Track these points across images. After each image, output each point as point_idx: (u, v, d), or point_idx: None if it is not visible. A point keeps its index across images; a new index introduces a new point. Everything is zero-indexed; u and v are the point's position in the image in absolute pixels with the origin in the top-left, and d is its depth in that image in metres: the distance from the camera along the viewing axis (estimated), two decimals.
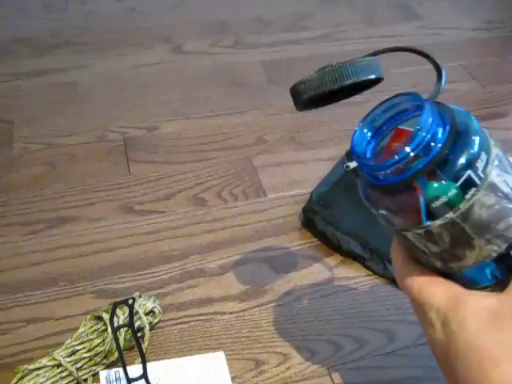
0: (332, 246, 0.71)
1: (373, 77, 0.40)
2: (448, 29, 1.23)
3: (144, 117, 0.93)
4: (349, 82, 0.38)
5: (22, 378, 0.53)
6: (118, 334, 0.55)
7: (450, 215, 0.35)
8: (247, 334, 0.61)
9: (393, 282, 0.66)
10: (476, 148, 0.34)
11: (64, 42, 1.14)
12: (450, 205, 0.34)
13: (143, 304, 0.60)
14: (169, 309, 0.63)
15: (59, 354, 0.55)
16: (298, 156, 0.86)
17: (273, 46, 1.14)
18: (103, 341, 0.56)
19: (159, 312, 0.61)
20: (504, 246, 0.36)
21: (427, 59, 0.40)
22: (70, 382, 0.55)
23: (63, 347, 0.56)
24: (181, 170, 0.83)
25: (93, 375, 0.56)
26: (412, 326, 0.62)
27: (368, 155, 0.38)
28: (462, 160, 0.34)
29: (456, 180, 0.34)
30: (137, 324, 0.58)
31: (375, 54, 0.41)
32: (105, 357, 0.56)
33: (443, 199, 0.34)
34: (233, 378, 0.57)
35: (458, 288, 0.37)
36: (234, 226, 0.74)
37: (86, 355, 0.56)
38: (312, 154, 0.86)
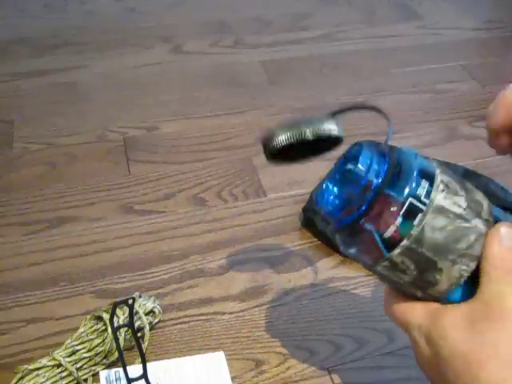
0: (332, 246, 0.71)
1: (334, 134, 0.41)
2: (448, 29, 1.23)
3: (144, 117, 0.93)
4: (309, 137, 0.40)
5: (21, 378, 0.53)
6: (118, 333, 0.55)
7: (405, 243, 0.36)
8: (247, 334, 0.61)
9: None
10: (414, 178, 0.36)
11: (64, 42, 1.14)
12: (402, 233, 0.36)
13: (143, 304, 0.60)
14: (169, 309, 0.63)
15: (59, 354, 0.55)
16: None
17: (273, 45, 1.14)
18: (103, 341, 0.56)
19: (159, 312, 0.61)
20: (474, 264, 0.37)
21: (379, 114, 0.41)
22: (70, 382, 0.54)
23: (63, 347, 0.56)
24: (181, 169, 0.83)
25: (93, 375, 0.56)
26: None
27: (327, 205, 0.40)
28: (402, 190, 0.36)
29: (400, 209, 0.36)
30: (137, 324, 0.58)
31: (336, 113, 0.42)
32: (105, 357, 0.56)
33: (392, 229, 0.36)
34: (233, 378, 0.57)
35: (434, 304, 0.39)
36: (234, 226, 0.74)
37: (85, 355, 0.56)
38: None
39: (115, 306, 0.53)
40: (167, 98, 0.98)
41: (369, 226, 0.37)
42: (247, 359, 0.59)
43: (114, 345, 0.55)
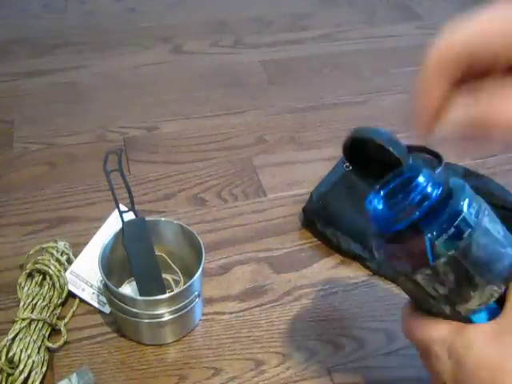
0: (332, 246, 0.71)
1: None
2: None
3: (144, 117, 0.93)
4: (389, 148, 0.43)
5: (8, 350, 0.55)
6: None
7: (452, 253, 0.38)
8: (247, 334, 0.61)
9: (393, 282, 0.66)
10: (468, 197, 0.39)
11: (64, 42, 1.14)
12: (450, 243, 0.38)
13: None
14: None
15: (24, 314, 0.58)
16: (298, 156, 0.86)
17: (273, 46, 1.14)
18: (49, 287, 0.62)
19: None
20: (503, 287, 0.40)
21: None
22: (46, 329, 0.59)
23: (21, 309, 0.59)
24: (181, 169, 0.83)
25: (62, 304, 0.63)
26: None
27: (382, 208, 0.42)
28: (459, 204, 0.39)
29: (454, 221, 0.38)
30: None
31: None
32: (59, 297, 0.62)
33: (444, 237, 0.38)
34: (233, 378, 0.57)
35: (458, 323, 0.39)
36: (234, 226, 0.74)
37: (43, 304, 0.60)
38: (312, 154, 0.86)
39: (107, 154, 0.59)
40: (167, 97, 0.98)
41: (422, 232, 0.39)
42: (247, 359, 0.59)
43: (61, 284, 0.62)
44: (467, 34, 0.33)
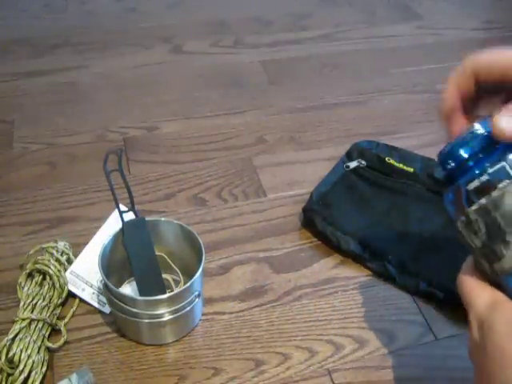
0: (332, 246, 0.71)
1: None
2: (448, 29, 1.23)
3: (144, 117, 0.93)
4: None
5: (8, 350, 0.55)
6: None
7: (483, 201, 0.38)
8: (247, 334, 0.61)
9: (393, 281, 0.67)
10: (510, 152, 0.38)
11: (64, 42, 1.14)
12: (483, 190, 0.39)
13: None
14: None
15: (24, 314, 0.58)
16: (298, 156, 0.86)
17: (273, 46, 1.14)
18: (49, 287, 0.62)
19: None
20: None
21: None
22: (46, 329, 0.59)
23: (21, 309, 0.59)
24: (181, 169, 0.83)
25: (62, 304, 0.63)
26: (412, 326, 0.62)
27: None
28: (500, 153, 0.38)
29: (491, 167, 0.38)
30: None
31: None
32: (59, 297, 0.62)
33: (476, 183, 0.39)
34: (233, 378, 0.57)
35: (501, 296, 0.39)
36: (234, 226, 0.74)
37: (43, 304, 0.60)
38: (312, 154, 0.86)
39: (107, 154, 0.59)
40: (167, 98, 0.98)
41: (461, 177, 0.40)
42: (247, 359, 0.59)
43: (61, 284, 0.62)
44: (479, 57, 0.43)
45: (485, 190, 0.38)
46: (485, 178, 0.38)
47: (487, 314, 0.38)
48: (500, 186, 0.38)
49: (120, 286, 0.64)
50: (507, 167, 0.38)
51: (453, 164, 0.41)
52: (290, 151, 0.87)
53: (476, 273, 0.42)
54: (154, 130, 0.91)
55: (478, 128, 0.40)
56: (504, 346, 0.36)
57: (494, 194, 0.38)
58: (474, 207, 0.39)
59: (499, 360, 0.36)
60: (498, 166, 0.38)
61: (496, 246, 0.39)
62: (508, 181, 0.38)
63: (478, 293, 0.40)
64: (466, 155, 0.40)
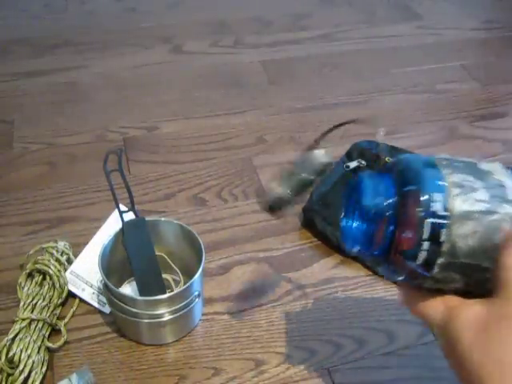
0: (332, 246, 0.71)
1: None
2: (448, 29, 1.23)
3: (144, 117, 0.93)
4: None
5: (8, 349, 0.55)
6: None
7: (441, 261, 0.35)
8: (247, 334, 0.61)
9: (393, 282, 0.66)
10: (426, 196, 0.35)
11: (64, 42, 1.14)
12: (434, 253, 0.35)
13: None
14: None
15: (24, 314, 0.58)
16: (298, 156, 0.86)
17: (273, 46, 1.14)
18: (49, 287, 0.62)
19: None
20: None
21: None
22: (46, 329, 0.59)
23: (22, 309, 0.59)
24: (181, 170, 0.83)
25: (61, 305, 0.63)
26: (412, 326, 0.62)
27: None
28: (417, 215, 0.34)
29: (421, 233, 0.34)
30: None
31: (326, 133, 0.43)
32: (59, 297, 0.62)
33: (423, 254, 0.35)
34: (233, 378, 0.57)
35: (453, 300, 0.38)
36: (234, 226, 0.74)
37: (43, 304, 0.60)
38: None
39: (107, 154, 0.59)
40: (167, 98, 0.98)
41: (399, 257, 0.36)
42: (247, 359, 0.59)
43: (61, 284, 0.62)
44: None
45: (434, 253, 0.35)
46: (426, 244, 0.34)
47: (446, 323, 0.37)
48: (442, 239, 0.34)
49: (120, 286, 0.64)
50: (434, 220, 0.34)
51: (377, 252, 0.37)
52: (290, 151, 0.87)
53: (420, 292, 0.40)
54: (153, 130, 0.91)
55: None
56: (469, 361, 0.35)
57: (445, 249, 0.35)
58: (435, 270, 0.35)
59: (464, 376, 0.35)
60: (426, 227, 0.34)
61: (478, 277, 0.36)
62: (444, 230, 0.34)
63: (430, 305, 0.39)
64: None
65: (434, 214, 0.34)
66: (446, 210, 0.34)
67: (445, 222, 0.34)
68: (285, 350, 0.60)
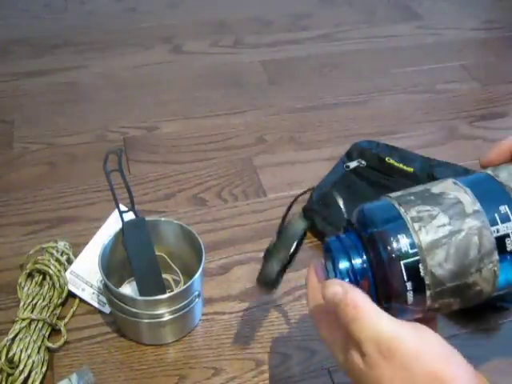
0: None
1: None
2: (448, 29, 1.23)
3: (144, 117, 0.93)
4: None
5: (8, 349, 0.55)
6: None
7: (428, 294, 0.36)
8: (247, 334, 0.61)
9: None
10: (391, 242, 0.36)
11: (64, 42, 1.14)
12: (419, 290, 0.36)
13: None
14: None
15: (24, 314, 0.58)
16: (298, 156, 0.86)
17: (273, 46, 1.14)
18: (49, 287, 0.62)
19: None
20: (495, 255, 0.37)
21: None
22: (46, 329, 0.59)
23: (22, 309, 0.59)
24: (181, 170, 0.83)
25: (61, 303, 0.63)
26: None
27: None
28: (390, 263, 0.36)
29: (401, 276, 0.36)
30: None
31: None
32: (59, 297, 0.62)
33: (410, 295, 0.36)
34: (233, 378, 0.57)
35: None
36: (234, 226, 0.74)
37: (43, 304, 0.60)
38: (312, 154, 0.86)
39: (107, 154, 0.59)
40: (167, 98, 0.98)
41: (392, 304, 0.37)
42: (247, 359, 0.59)
43: (61, 284, 0.62)
44: None
45: (419, 289, 0.36)
46: (409, 285, 0.36)
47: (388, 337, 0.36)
48: (422, 274, 0.36)
49: (120, 286, 0.64)
50: (406, 261, 0.36)
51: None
52: (289, 151, 0.87)
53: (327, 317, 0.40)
54: (153, 130, 0.91)
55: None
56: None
57: (427, 282, 0.36)
58: (428, 302, 0.37)
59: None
60: (402, 270, 0.36)
61: (470, 293, 0.38)
62: (420, 265, 0.36)
63: (332, 335, 0.39)
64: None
65: (406, 255, 0.36)
66: (413, 246, 0.36)
67: (417, 257, 0.36)
68: (285, 350, 0.60)
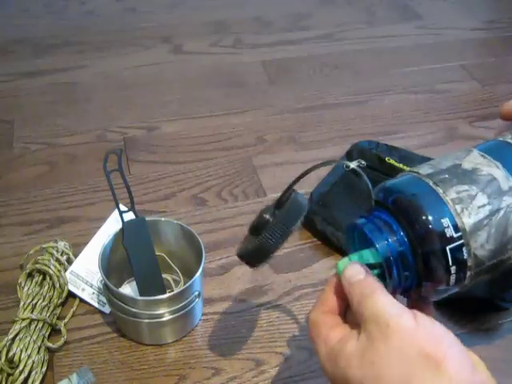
0: (332, 245, 0.71)
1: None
2: (448, 29, 1.23)
3: (144, 117, 0.93)
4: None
5: (9, 349, 0.55)
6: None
7: (469, 274, 0.37)
8: (247, 334, 0.61)
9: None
10: (434, 225, 0.36)
11: (64, 42, 1.14)
12: (462, 271, 0.36)
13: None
14: None
15: (24, 314, 0.58)
16: (298, 156, 0.86)
17: (273, 46, 1.14)
18: (49, 287, 0.62)
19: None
20: None
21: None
22: (46, 329, 0.59)
23: (22, 309, 0.59)
24: (181, 170, 0.83)
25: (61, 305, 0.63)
26: None
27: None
28: (434, 247, 0.36)
29: (446, 261, 0.36)
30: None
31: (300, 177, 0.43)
32: (59, 297, 0.62)
33: (453, 277, 0.36)
34: (233, 378, 0.57)
35: (331, 337, 0.39)
36: (234, 226, 0.74)
37: (43, 304, 0.60)
38: (312, 154, 0.86)
39: (107, 154, 0.60)
40: (167, 98, 0.98)
41: (430, 285, 0.37)
42: (247, 359, 0.59)
43: (61, 285, 0.62)
44: None
45: (462, 271, 0.36)
46: (453, 269, 0.36)
47: (330, 366, 0.38)
48: (465, 256, 0.36)
49: (120, 286, 0.64)
50: (451, 245, 0.36)
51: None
52: (289, 151, 0.87)
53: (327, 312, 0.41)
54: (153, 130, 0.91)
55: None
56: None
57: (470, 264, 0.36)
58: (467, 281, 0.37)
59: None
60: (447, 254, 0.36)
61: (504, 266, 0.38)
62: (464, 248, 0.36)
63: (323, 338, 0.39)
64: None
65: (451, 240, 0.36)
66: (457, 230, 0.36)
67: (461, 241, 0.36)
68: (285, 350, 0.60)
